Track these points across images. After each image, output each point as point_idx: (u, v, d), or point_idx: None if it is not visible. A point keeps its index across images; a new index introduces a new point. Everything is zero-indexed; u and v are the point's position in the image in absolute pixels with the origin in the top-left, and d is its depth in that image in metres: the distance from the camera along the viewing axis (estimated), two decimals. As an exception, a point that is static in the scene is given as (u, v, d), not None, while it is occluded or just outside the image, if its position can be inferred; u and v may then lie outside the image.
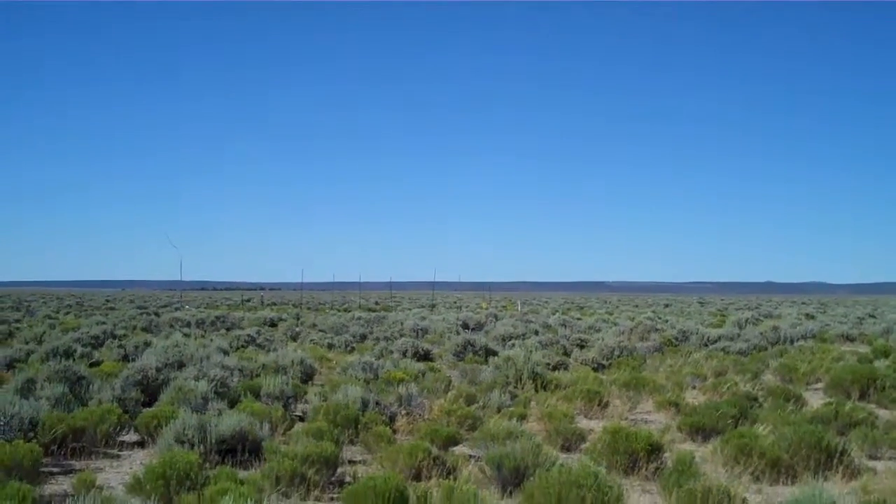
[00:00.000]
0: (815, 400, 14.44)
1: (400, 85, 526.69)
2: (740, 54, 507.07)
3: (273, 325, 35.23)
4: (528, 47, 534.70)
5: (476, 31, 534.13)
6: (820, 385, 16.48)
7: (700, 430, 11.26)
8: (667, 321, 36.90)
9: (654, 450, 9.39)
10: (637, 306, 73.10)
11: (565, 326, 33.15)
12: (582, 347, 22.82)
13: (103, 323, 30.54)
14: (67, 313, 46.11)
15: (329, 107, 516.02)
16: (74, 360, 15.65)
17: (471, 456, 9.97)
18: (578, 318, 39.98)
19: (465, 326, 32.85)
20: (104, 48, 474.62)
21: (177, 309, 50.40)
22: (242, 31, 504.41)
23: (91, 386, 13.01)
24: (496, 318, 38.37)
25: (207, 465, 8.94)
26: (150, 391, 13.48)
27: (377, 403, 12.20)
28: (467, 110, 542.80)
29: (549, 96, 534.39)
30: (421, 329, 30.24)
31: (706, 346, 24.66)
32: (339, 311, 53.44)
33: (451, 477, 8.61)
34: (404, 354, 20.28)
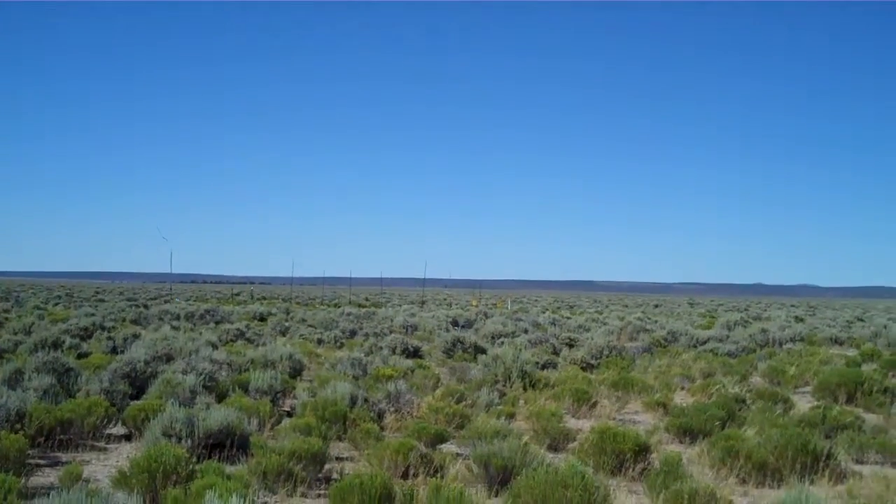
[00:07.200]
0: (803, 403, 14.49)
1: (394, 84, 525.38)
2: (738, 55, 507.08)
3: (262, 319, 35.15)
4: (525, 47, 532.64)
5: (470, 32, 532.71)
6: (808, 388, 16.54)
7: (688, 432, 11.28)
8: (656, 322, 36.98)
9: (642, 451, 9.39)
10: (627, 306, 73.24)
11: (555, 325, 33.20)
12: (571, 347, 22.83)
13: (92, 314, 30.47)
14: (56, 304, 45.97)
15: (322, 103, 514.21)
16: (63, 351, 15.62)
17: (458, 454, 9.96)
18: (568, 318, 40.02)
19: (455, 324, 32.87)
20: (99, 45, 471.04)
21: (166, 301, 50.31)
22: (237, 26, 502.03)
23: (79, 378, 12.97)
24: (486, 315, 38.41)
25: (194, 459, 8.90)
26: (138, 384, 13.43)
27: (366, 400, 12.18)
28: (459, 110, 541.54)
29: (542, 96, 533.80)
30: (410, 326, 30.25)
31: (695, 347, 24.71)
32: (328, 306, 53.36)
33: (439, 475, 8.59)
34: (393, 351, 20.28)
